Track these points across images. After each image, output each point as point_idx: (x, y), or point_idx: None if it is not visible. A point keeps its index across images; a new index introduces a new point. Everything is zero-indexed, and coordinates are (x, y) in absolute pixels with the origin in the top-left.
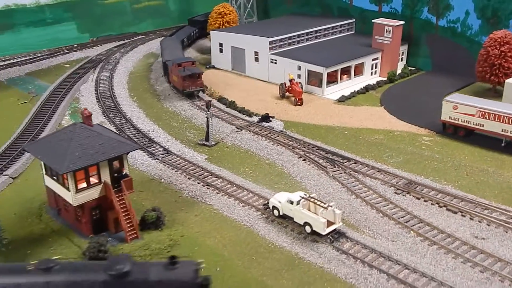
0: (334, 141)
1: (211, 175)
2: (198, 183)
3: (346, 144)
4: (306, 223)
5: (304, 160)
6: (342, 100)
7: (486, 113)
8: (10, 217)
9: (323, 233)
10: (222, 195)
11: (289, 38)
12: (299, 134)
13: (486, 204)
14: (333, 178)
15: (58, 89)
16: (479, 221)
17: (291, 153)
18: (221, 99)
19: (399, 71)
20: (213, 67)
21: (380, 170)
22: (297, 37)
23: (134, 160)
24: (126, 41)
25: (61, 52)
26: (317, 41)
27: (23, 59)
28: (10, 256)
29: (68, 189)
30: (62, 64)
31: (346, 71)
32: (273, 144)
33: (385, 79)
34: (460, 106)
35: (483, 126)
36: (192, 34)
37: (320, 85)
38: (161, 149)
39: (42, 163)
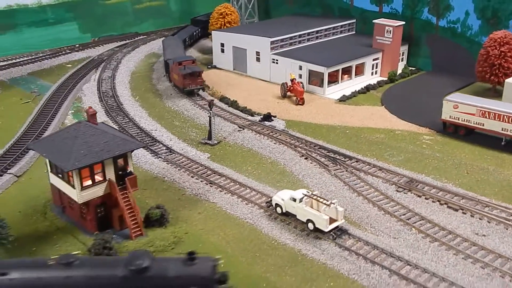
0: (335, 140)
1: (214, 173)
2: (201, 181)
3: (348, 143)
4: (309, 220)
5: (306, 158)
6: (343, 99)
7: (486, 112)
8: (15, 215)
9: (326, 230)
10: (225, 193)
11: (291, 38)
12: (300, 133)
13: (487, 202)
14: (335, 176)
15: (61, 89)
16: (480, 219)
17: (293, 151)
18: (223, 99)
19: (399, 71)
20: (215, 67)
21: (381, 169)
22: (298, 37)
23: (138, 158)
24: (127, 41)
25: (63, 52)
26: (318, 41)
27: (25, 59)
28: (16, 253)
29: (73, 186)
30: (64, 64)
31: (347, 71)
32: (275, 143)
33: (386, 79)
34: (460, 106)
35: (483, 125)
36: (194, 33)
37: (321, 84)
38: (164, 148)
39: (47, 161)
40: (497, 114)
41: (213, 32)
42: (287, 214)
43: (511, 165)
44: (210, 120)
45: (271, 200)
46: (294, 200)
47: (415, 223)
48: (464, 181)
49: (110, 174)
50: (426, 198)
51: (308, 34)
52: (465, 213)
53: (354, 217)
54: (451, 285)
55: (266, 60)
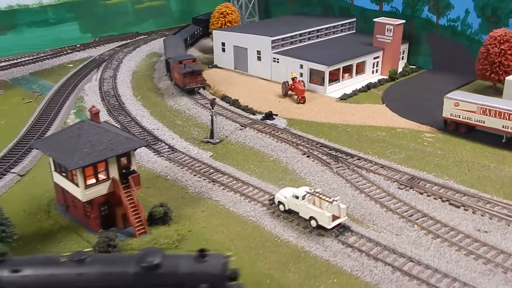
0: (337, 138)
1: (217, 171)
2: (204, 179)
3: (349, 141)
4: (311, 218)
5: (308, 156)
6: (344, 98)
7: (487, 110)
8: (19, 213)
9: (329, 227)
10: (228, 191)
11: (291, 37)
12: (302, 131)
13: (488, 198)
14: (337, 174)
15: (62, 89)
16: (482, 215)
17: (295, 150)
18: (224, 98)
19: (400, 70)
20: (216, 66)
21: (383, 166)
22: (299, 36)
23: (140, 157)
24: (128, 41)
25: (64, 52)
26: (319, 40)
27: (26, 59)
28: (20, 251)
29: (77, 185)
30: (65, 64)
31: (347, 70)
32: (277, 141)
33: (386, 77)
34: (461, 103)
35: (484, 123)
36: (196, 32)
37: (322, 83)
38: (167, 147)
39: (51, 159)
40: (497, 112)
41: (214, 31)
42: (289, 212)
43: None
44: (212, 119)
45: (273, 198)
46: (297, 197)
47: (417, 220)
48: (466, 178)
49: (114, 173)
50: (428, 195)
51: (309, 33)
52: (467, 210)
53: (356, 214)
54: (453, 281)
55: (267, 59)
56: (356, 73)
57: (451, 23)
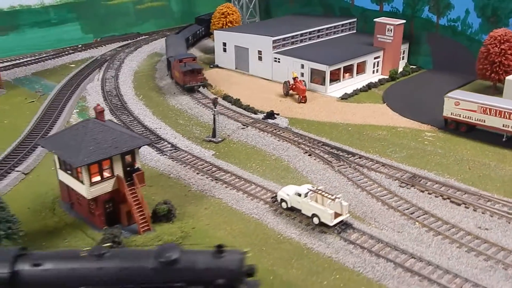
0: (338, 137)
1: (219, 170)
2: (207, 177)
3: (350, 140)
4: (314, 215)
5: (309, 155)
6: (345, 97)
7: (487, 109)
8: (24, 211)
9: (331, 224)
10: (230, 189)
11: (292, 37)
12: (303, 130)
13: (489, 196)
14: (338, 172)
15: (65, 88)
16: (482, 213)
17: (297, 148)
18: (226, 97)
19: (400, 70)
20: (217, 66)
21: (384, 164)
22: (300, 36)
23: (143, 156)
24: (129, 41)
25: (66, 53)
26: (320, 40)
27: (28, 59)
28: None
29: (82, 182)
30: (67, 64)
31: (348, 69)
32: (278, 140)
33: (387, 77)
34: (461, 102)
35: (484, 122)
36: (198, 32)
37: (323, 83)
38: (169, 146)
39: (56, 157)
40: (498, 111)
41: (215, 31)
42: (292, 209)
43: None
44: (214, 118)
45: (276, 196)
46: (299, 195)
47: (418, 217)
48: (466, 177)
49: (118, 170)
50: (429, 193)
51: (310, 33)
52: (467, 208)
53: (358, 212)
54: (454, 277)
55: (268, 59)
56: (356, 73)
57: (451, 23)
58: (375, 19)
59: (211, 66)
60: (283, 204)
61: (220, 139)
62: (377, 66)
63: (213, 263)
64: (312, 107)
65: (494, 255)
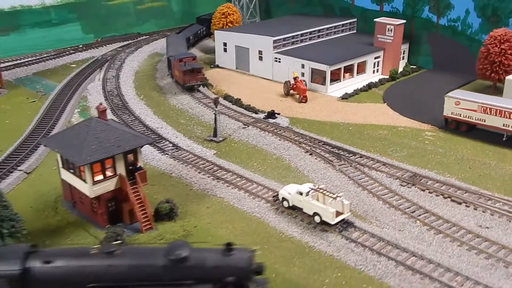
0: (339, 136)
1: (221, 169)
2: (208, 176)
3: (351, 139)
4: (315, 214)
5: (310, 154)
6: (346, 97)
7: (488, 109)
8: (26, 210)
9: (332, 223)
10: (232, 188)
11: (293, 37)
12: (304, 130)
13: (489, 195)
14: (339, 171)
15: (66, 88)
16: (483, 211)
17: (298, 148)
18: (226, 97)
19: (400, 69)
20: (217, 66)
21: (385, 164)
22: (300, 36)
23: (145, 155)
24: (130, 41)
25: (67, 53)
26: (320, 40)
27: (29, 59)
28: None
29: (85, 181)
30: (68, 64)
31: (349, 69)
32: (279, 140)
33: (387, 77)
34: (462, 102)
35: (484, 121)
36: (199, 31)
37: (323, 83)
38: (171, 145)
39: (59, 156)
40: (498, 110)
41: (215, 31)
42: (293, 208)
43: None
44: (215, 118)
45: (277, 195)
46: (301, 194)
47: (419, 216)
48: (467, 176)
49: (121, 169)
50: (429, 192)
51: (310, 33)
52: (468, 206)
53: (359, 210)
54: (456, 275)
55: (269, 59)
56: (357, 73)
57: (451, 23)
58: (375, 19)
59: (212, 66)
60: (285, 203)
61: (221, 139)
62: (378, 66)
63: (222, 261)
64: (312, 106)
65: (495, 254)
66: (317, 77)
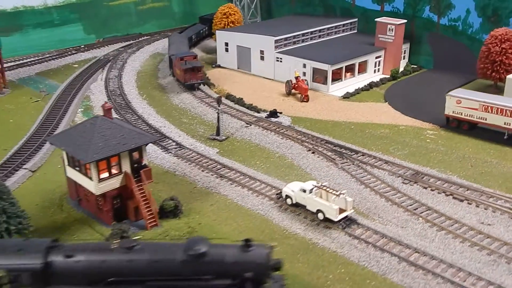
0: (341, 135)
1: (224, 167)
2: (212, 175)
3: (353, 138)
4: (318, 211)
5: (313, 153)
6: (347, 96)
7: (489, 107)
8: (32, 207)
9: (335, 220)
10: (235, 186)
11: (294, 37)
12: (306, 128)
13: (491, 193)
14: (342, 169)
15: (69, 88)
16: (485, 208)
17: (300, 146)
18: (229, 96)
19: (401, 69)
20: (219, 66)
21: (387, 162)
22: (302, 36)
23: (148, 154)
24: (132, 41)
25: (69, 53)
26: (321, 40)
27: (32, 59)
28: None
29: (90, 178)
30: (70, 64)
31: (350, 69)
32: (282, 138)
33: (388, 76)
34: (463, 101)
35: (486, 120)
36: (201, 31)
37: (325, 82)
38: (174, 144)
39: (65, 154)
40: (499, 109)
41: (217, 31)
42: (297, 205)
43: None
44: (218, 117)
45: (281, 192)
46: (304, 191)
47: (422, 213)
48: (468, 174)
49: (126, 167)
50: (431, 190)
51: (311, 33)
52: (470, 204)
53: (362, 208)
54: (458, 271)
55: (270, 58)
56: (358, 72)
57: (452, 22)
58: (376, 19)
59: (213, 66)
60: (288, 200)
61: (224, 137)
62: (379, 65)
63: (241, 257)
64: (314, 106)
65: (497, 250)
66: (319, 76)
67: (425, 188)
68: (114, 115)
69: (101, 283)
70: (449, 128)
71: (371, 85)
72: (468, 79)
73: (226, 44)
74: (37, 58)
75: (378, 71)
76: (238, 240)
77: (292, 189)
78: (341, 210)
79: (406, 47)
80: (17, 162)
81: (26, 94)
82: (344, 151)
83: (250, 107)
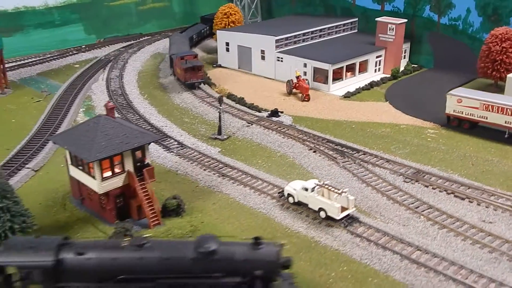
0: (342, 134)
1: (226, 166)
2: (214, 174)
3: (354, 137)
4: (320, 209)
5: (314, 151)
6: (348, 96)
7: (490, 106)
8: (35, 206)
9: (337, 218)
10: (237, 185)
11: (295, 36)
12: (308, 128)
13: (492, 191)
14: (343, 168)
15: (70, 88)
16: (486, 207)
17: (302, 145)
18: (230, 96)
19: (402, 68)
20: (220, 66)
21: (388, 160)
22: (302, 36)
23: (150, 153)
24: (132, 42)
25: (70, 53)
26: (322, 39)
27: (33, 59)
28: None
29: (94, 177)
30: (71, 64)
31: (350, 68)
32: (283, 137)
33: (389, 75)
34: (464, 100)
35: (486, 119)
36: (203, 31)
37: (326, 81)
38: (176, 143)
39: (67, 153)
40: (500, 108)
41: (218, 31)
42: (299, 204)
43: None
44: (219, 116)
45: (283, 191)
46: (306, 189)
47: (423, 211)
48: (470, 172)
49: (129, 166)
50: (433, 188)
51: (312, 32)
52: (471, 202)
53: (363, 206)
54: (460, 268)
55: (271, 58)
56: (359, 72)
57: (452, 22)
58: (377, 18)
59: (214, 65)
60: (290, 199)
61: (225, 137)
62: (379, 65)
63: (251, 255)
64: (315, 105)
65: (498, 247)
66: (319, 76)
67: (427, 186)
68: (116, 114)
69: (111, 280)
70: (450, 127)
71: (371, 85)
72: (468, 78)
73: (227, 44)
74: (38, 58)
75: (379, 70)
76: (247, 238)
77: (294, 187)
78: (343, 209)
79: (406, 46)
80: (20, 162)
81: (28, 94)
82: (345, 150)
83: (251, 106)
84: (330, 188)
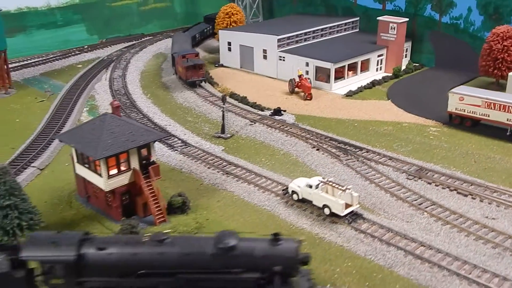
0: (345, 132)
1: (230, 164)
2: (218, 171)
3: (357, 135)
4: (325, 206)
5: (317, 150)
6: (350, 94)
7: (492, 104)
8: (41, 204)
9: (342, 215)
10: (242, 183)
11: (296, 36)
12: (310, 126)
13: (495, 187)
14: (346, 165)
15: (74, 88)
16: (489, 203)
17: (305, 143)
18: (232, 95)
19: (403, 67)
20: (222, 66)
21: (391, 158)
22: (304, 35)
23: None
24: (134, 42)
25: (73, 53)
26: (323, 39)
27: (36, 60)
28: None
29: (100, 175)
30: (74, 64)
31: (352, 67)
32: (286, 136)
33: (390, 74)
34: (466, 98)
35: (488, 116)
36: (205, 30)
37: (328, 80)
38: (179, 142)
39: (73, 151)
40: (502, 105)
41: (220, 31)
42: (303, 201)
43: None
44: (223, 114)
45: (287, 188)
46: (310, 186)
47: (426, 208)
48: (472, 169)
49: (135, 163)
50: (436, 185)
51: (313, 32)
52: (474, 198)
53: (367, 203)
54: (464, 264)
55: (273, 57)
56: (360, 71)
57: (453, 21)
58: (378, 17)
59: (216, 65)
60: (294, 196)
61: (229, 135)
62: (381, 63)
63: (270, 251)
64: (317, 104)
65: (501, 243)
66: (322, 75)
67: (429, 183)
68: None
69: (132, 275)
70: (452, 125)
71: (373, 83)
72: (470, 76)
73: (229, 43)
74: (41, 58)
75: (381, 69)
76: (266, 234)
77: (298, 184)
78: (347, 205)
79: (408, 45)
80: (25, 161)
81: (31, 94)
82: (348, 148)
83: (254, 105)
84: (334, 185)
